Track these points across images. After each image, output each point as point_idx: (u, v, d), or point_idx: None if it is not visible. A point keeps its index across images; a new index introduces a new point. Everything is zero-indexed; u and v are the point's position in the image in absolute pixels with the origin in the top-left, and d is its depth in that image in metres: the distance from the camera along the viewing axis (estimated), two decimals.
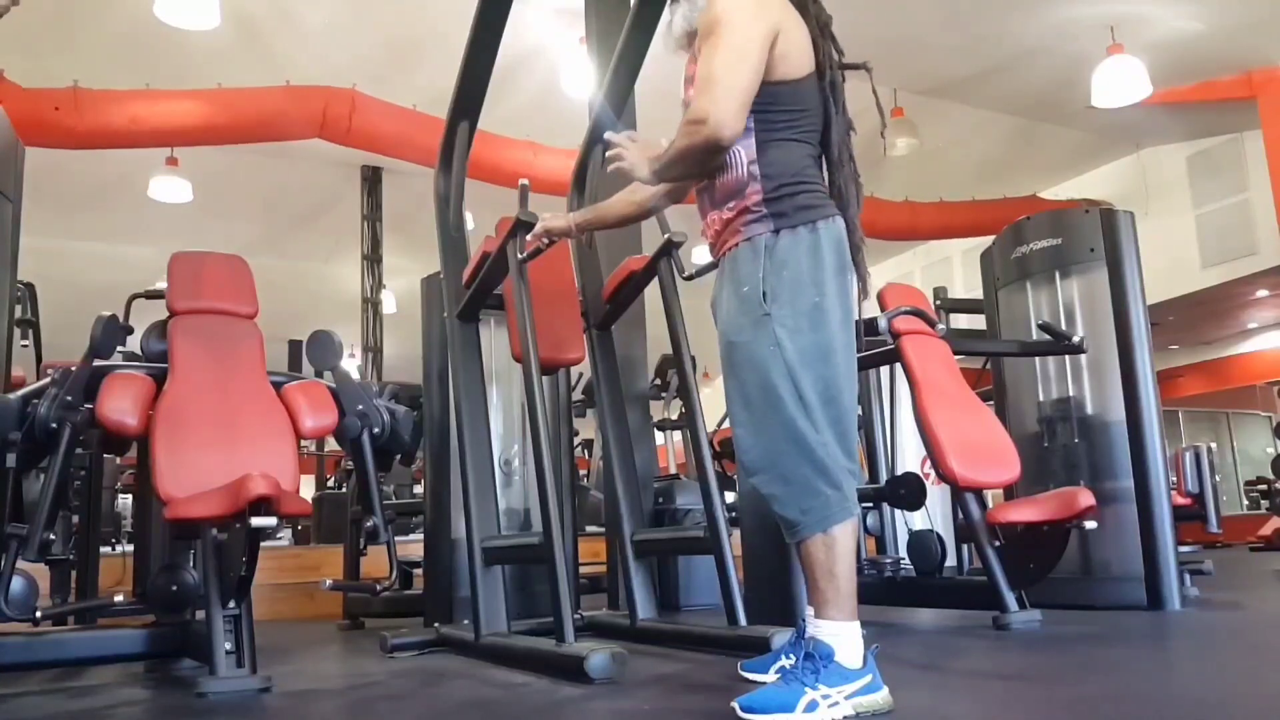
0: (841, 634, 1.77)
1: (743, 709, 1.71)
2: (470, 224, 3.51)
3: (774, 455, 1.84)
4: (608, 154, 2.08)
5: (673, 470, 7.57)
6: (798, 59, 1.91)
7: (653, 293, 3.16)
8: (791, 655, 2.10)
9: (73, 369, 2.66)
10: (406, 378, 4.96)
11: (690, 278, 2.56)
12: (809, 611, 1.85)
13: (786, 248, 1.86)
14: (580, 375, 5.24)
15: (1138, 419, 3.72)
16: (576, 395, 5.29)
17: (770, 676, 2.09)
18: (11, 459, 2.56)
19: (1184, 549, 4.44)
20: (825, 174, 2.00)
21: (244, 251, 3.19)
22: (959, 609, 3.65)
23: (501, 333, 3.62)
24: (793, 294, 1.84)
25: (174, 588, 2.75)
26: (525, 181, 2.65)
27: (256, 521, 2.18)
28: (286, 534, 7.78)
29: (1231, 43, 7.78)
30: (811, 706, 1.69)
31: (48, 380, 2.67)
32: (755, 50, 1.83)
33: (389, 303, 10.50)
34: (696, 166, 1.94)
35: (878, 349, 3.71)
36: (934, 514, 4.16)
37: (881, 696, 1.76)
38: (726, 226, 1.96)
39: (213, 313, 2.97)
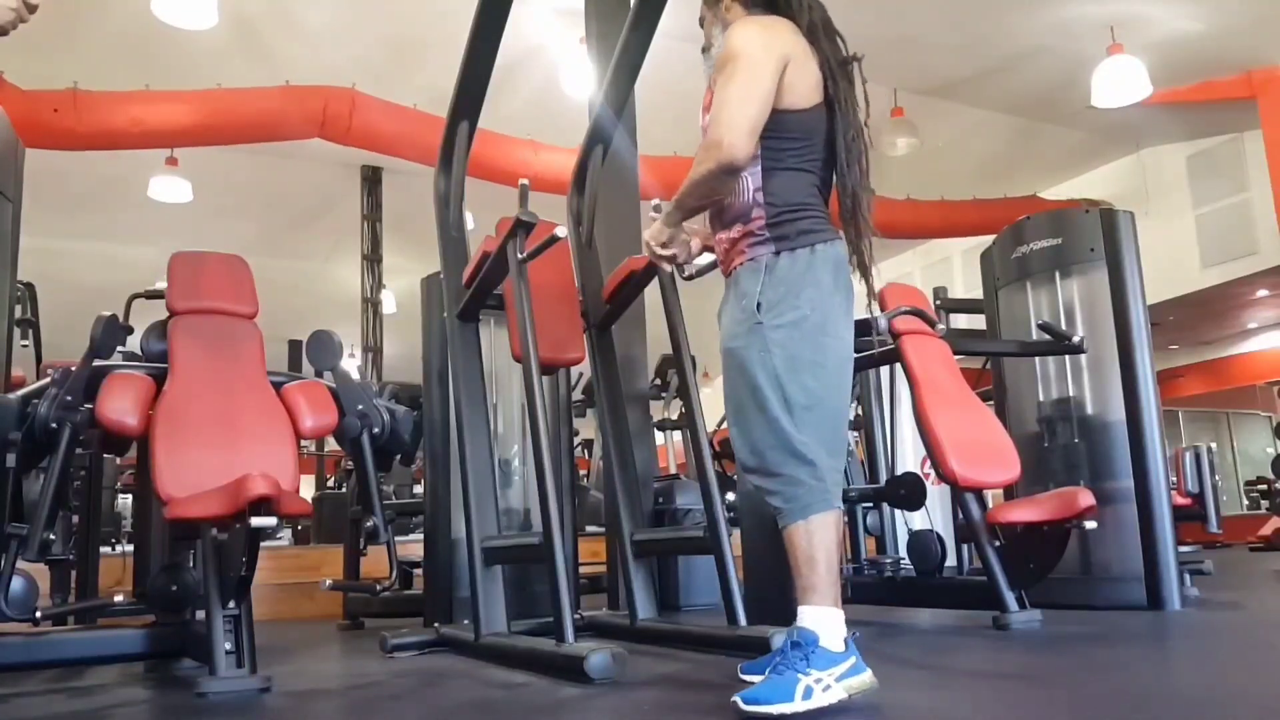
0: (823, 619, 1.84)
1: (745, 702, 1.76)
2: (470, 224, 3.51)
3: (762, 451, 1.96)
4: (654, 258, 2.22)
5: (673, 470, 7.56)
6: (805, 89, 2.00)
7: (653, 293, 3.16)
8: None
9: (73, 369, 2.66)
10: (406, 378, 4.96)
11: (690, 278, 2.56)
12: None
13: (785, 266, 1.98)
14: (580, 375, 5.23)
15: (1138, 419, 3.71)
16: (576, 395, 5.29)
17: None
18: (11, 459, 2.55)
19: (1184, 549, 4.44)
20: (835, 185, 2.07)
21: (244, 251, 3.18)
22: (959, 609, 3.65)
23: (501, 333, 3.62)
24: (785, 307, 1.96)
25: (174, 588, 2.75)
26: (525, 181, 2.65)
27: (256, 521, 2.18)
28: (286, 534, 7.78)
29: (1231, 43, 7.77)
30: (808, 692, 1.75)
31: (48, 380, 2.67)
32: (766, 80, 1.94)
33: (389, 303, 10.49)
34: (713, 192, 2.04)
35: (878, 349, 3.71)
36: (934, 514, 4.16)
37: (868, 677, 1.84)
38: (733, 247, 2.07)
39: (213, 313, 2.97)
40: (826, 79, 2.03)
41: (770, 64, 1.95)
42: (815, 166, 2.05)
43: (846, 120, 2.05)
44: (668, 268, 2.32)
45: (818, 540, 1.89)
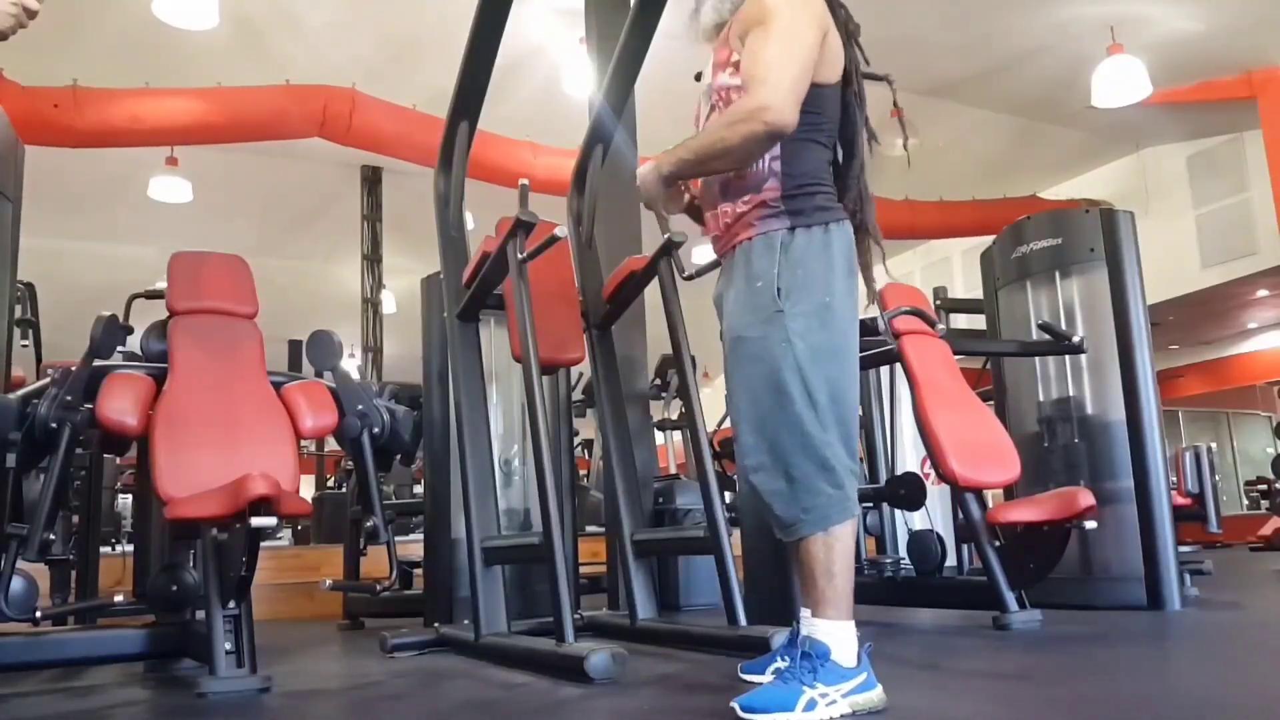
0: (837, 633, 1.78)
1: (743, 709, 1.71)
2: (470, 224, 3.51)
3: (779, 452, 1.82)
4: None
5: (673, 470, 7.56)
6: (832, 65, 1.92)
7: (653, 293, 3.16)
8: (787, 657, 2.11)
9: (73, 369, 2.66)
10: (406, 378, 4.95)
11: (690, 278, 2.56)
12: (804, 613, 1.85)
13: (802, 246, 1.86)
14: (580, 375, 5.23)
15: (1138, 419, 3.71)
16: (576, 395, 5.28)
17: (767, 677, 2.08)
18: (11, 459, 2.55)
19: (1184, 549, 4.44)
20: (840, 176, 2.00)
21: (244, 251, 3.18)
22: (959, 609, 3.65)
23: (501, 333, 3.62)
24: (806, 292, 1.84)
25: (174, 588, 2.75)
26: (525, 181, 2.65)
27: (256, 521, 2.18)
28: (286, 534, 7.78)
29: (1231, 43, 7.78)
30: (810, 705, 1.70)
31: (48, 380, 2.67)
32: (809, 44, 1.84)
33: (389, 303, 10.50)
34: (749, 157, 1.87)
35: (878, 349, 3.71)
36: (934, 514, 4.16)
37: (876, 694, 1.78)
38: (739, 219, 1.93)
39: (212, 313, 2.97)
40: (848, 63, 1.95)
41: (812, 31, 1.84)
42: (829, 143, 1.96)
43: (863, 119, 1.97)
44: (678, 212, 2.13)
45: (837, 552, 1.79)
